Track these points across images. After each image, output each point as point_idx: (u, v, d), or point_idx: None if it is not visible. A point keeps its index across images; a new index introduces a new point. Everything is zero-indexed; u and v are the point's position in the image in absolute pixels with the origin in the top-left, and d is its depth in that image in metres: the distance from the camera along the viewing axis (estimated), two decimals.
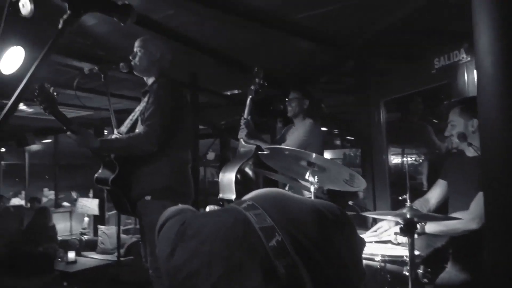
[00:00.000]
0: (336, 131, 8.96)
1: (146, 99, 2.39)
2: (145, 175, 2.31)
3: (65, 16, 0.93)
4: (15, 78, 3.07)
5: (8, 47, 2.76)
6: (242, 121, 3.03)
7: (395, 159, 6.05)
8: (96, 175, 2.38)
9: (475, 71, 2.62)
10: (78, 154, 6.83)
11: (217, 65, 3.98)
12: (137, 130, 2.37)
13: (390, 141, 3.67)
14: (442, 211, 2.32)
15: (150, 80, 2.47)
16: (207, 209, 1.66)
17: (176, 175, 2.34)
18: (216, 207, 1.77)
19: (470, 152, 2.12)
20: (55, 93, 2.19)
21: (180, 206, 1.06)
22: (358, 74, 3.86)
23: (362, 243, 0.99)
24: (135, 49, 2.43)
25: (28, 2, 2.54)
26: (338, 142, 10.14)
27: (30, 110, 5.80)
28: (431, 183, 2.45)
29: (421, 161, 5.93)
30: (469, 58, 2.55)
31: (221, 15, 2.85)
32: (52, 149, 8.10)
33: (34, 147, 7.30)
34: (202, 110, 5.36)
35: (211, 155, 8.05)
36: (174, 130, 2.32)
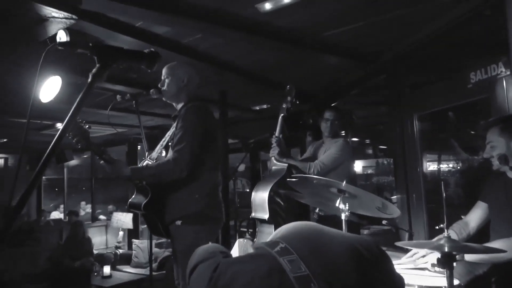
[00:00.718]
0: (367, 141, 8.81)
1: (175, 124, 2.43)
2: (176, 200, 2.34)
3: (94, 70, 0.95)
4: (51, 103, 3.23)
5: (47, 77, 2.91)
6: (274, 140, 3.03)
7: (431, 166, 5.87)
8: (130, 200, 2.44)
9: None
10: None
11: (246, 83, 4.01)
12: (168, 155, 2.40)
13: (425, 148, 3.56)
14: (482, 235, 2.20)
15: (179, 105, 2.51)
16: (236, 244, 1.66)
17: (206, 199, 2.35)
18: (245, 240, 1.77)
19: None
20: (87, 126, 2.25)
21: (211, 246, 1.05)
22: (390, 87, 3.77)
23: (400, 280, 0.95)
24: (162, 77, 2.48)
25: (65, 35, 2.67)
26: (370, 151, 9.95)
27: None
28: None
29: (459, 167, 5.73)
30: (508, 72, 2.43)
31: (248, 37, 2.86)
32: (89, 163, 8.40)
33: (73, 162, 7.58)
34: (231, 125, 5.40)
35: (241, 167, 8.09)
36: (204, 154, 2.34)
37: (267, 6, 2.52)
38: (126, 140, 6.90)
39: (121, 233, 6.43)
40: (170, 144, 2.40)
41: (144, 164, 2.40)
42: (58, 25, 2.31)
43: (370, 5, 2.55)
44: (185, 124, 2.31)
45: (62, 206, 8.69)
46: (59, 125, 6.02)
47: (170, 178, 2.28)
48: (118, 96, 2.57)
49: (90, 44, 0.96)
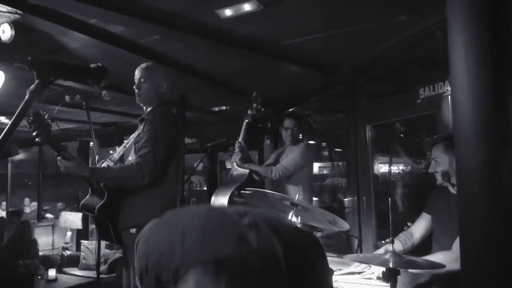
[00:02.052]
0: (324, 144, 9.07)
1: (141, 126, 2.30)
2: (132, 206, 2.24)
3: (32, 87, 0.88)
4: None
5: None
6: (237, 145, 3.00)
7: (382, 168, 6.13)
8: (83, 201, 2.32)
9: None
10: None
11: (206, 87, 3.96)
12: (130, 158, 2.30)
13: (377, 151, 3.71)
14: (426, 244, 2.32)
15: (148, 108, 2.37)
16: None
17: (164, 211, 2.27)
18: None
19: (454, 190, 2.11)
20: (49, 121, 2.11)
21: None
22: (348, 97, 3.88)
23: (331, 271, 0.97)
24: (138, 78, 2.31)
25: (9, 28, 2.50)
26: (326, 154, 10.23)
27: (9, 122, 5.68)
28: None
29: (408, 169, 6.03)
30: None
31: (208, 42, 2.82)
32: (36, 158, 7.94)
33: (18, 156, 7.13)
34: (190, 126, 5.33)
35: (199, 167, 8.01)
36: (167, 164, 2.25)
37: (228, 12, 2.49)
38: (78, 136, 6.60)
39: (69, 233, 6.14)
40: (134, 146, 2.27)
41: (104, 165, 2.29)
42: (1, 19, 2.16)
43: (330, 18, 2.60)
44: (152, 129, 2.19)
45: (4, 203, 8.15)
46: (2, 118, 5.66)
47: (131, 184, 2.18)
48: (67, 97, 2.45)
49: (29, 58, 0.88)
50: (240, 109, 3.49)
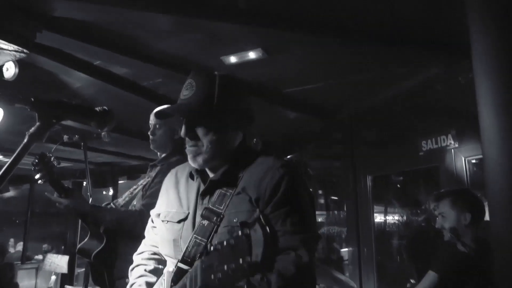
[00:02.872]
0: (320, 192, 8.99)
1: (152, 173, 2.21)
2: (131, 255, 2.14)
3: (32, 130, 0.83)
4: None
5: None
6: None
7: (377, 217, 6.00)
8: (80, 244, 2.20)
9: (463, 158, 2.66)
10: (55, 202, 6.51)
11: None
12: (134, 202, 2.20)
13: (375, 200, 3.64)
14: None
15: (162, 155, 2.27)
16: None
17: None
18: None
19: (464, 247, 2.04)
20: (55, 162, 2.09)
21: None
22: (345, 144, 3.87)
23: None
24: (153, 124, 2.23)
25: (13, 66, 2.50)
26: (322, 201, 10.11)
27: (6, 160, 5.58)
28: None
29: (404, 220, 5.91)
30: (457, 145, 2.56)
31: None
32: (26, 195, 7.73)
33: (7, 193, 6.96)
34: None
35: None
36: None
37: (232, 59, 2.52)
38: (72, 175, 6.47)
39: (53, 277, 5.86)
40: (142, 192, 2.17)
41: (107, 207, 2.20)
42: (6, 57, 2.15)
43: (331, 68, 2.63)
44: (162, 181, 2.13)
45: None
46: None
47: (130, 230, 2.04)
48: (65, 137, 2.40)
49: (32, 99, 0.83)
50: None
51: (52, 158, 2.06)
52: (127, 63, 2.59)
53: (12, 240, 8.35)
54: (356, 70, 2.68)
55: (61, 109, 0.86)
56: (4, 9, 1.85)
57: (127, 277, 2.05)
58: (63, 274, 5.92)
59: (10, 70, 2.41)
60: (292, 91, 3.08)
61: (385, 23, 2.17)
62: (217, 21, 2.13)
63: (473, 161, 2.61)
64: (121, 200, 2.29)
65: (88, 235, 2.21)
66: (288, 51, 2.45)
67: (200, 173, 1.26)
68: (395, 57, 2.47)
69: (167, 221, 1.28)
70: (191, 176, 1.31)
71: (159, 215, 1.37)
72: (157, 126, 2.23)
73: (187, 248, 1.12)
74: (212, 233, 1.09)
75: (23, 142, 0.80)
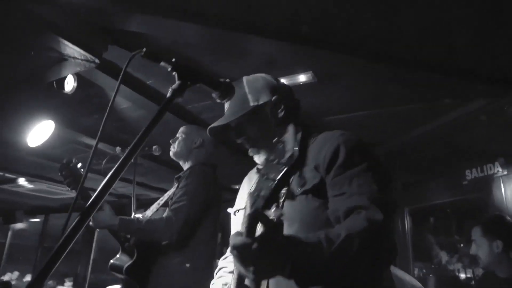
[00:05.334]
0: None
1: (177, 184, 2.28)
2: (164, 268, 2.10)
3: (174, 86, 0.92)
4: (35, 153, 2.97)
5: (39, 120, 2.74)
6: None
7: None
8: (112, 260, 2.18)
9: None
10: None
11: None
12: (164, 213, 2.20)
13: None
14: None
15: (185, 166, 2.38)
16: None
17: (196, 273, 2.11)
18: None
19: (502, 273, 1.98)
20: (82, 170, 2.13)
21: None
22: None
23: None
24: (178, 134, 2.42)
25: (72, 80, 2.59)
26: None
27: (29, 186, 5.59)
28: None
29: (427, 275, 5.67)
30: (505, 172, 2.54)
31: None
32: (39, 230, 7.61)
33: (20, 225, 6.87)
34: None
35: None
36: (199, 223, 2.17)
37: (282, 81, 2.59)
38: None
39: None
40: (169, 202, 2.21)
41: (135, 218, 2.18)
42: (72, 68, 2.25)
43: (377, 97, 2.69)
44: (187, 185, 2.18)
45: None
46: (22, 181, 5.56)
47: (158, 239, 2.09)
48: (118, 148, 2.43)
49: (173, 60, 0.91)
50: None
51: (78, 165, 2.10)
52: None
53: (16, 273, 8.13)
54: (402, 100, 2.73)
55: (195, 73, 0.92)
56: (81, 19, 1.95)
57: None
58: None
59: (69, 84, 2.50)
60: (331, 120, 3.12)
61: (439, 55, 2.23)
62: (276, 44, 2.21)
63: None
64: (149, 212, 2.32)
65: (120, 250, 2.21)
66: (339, 77, 2.52)
67: None
68: (445, 89, 2.53)
69: (237, 212, 1.35)
70: (258, 171, 1.36)
71: (234, 213, 1.39)
72: (178, 135, 2.42)
73: None
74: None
75: (166, 97, 0.86)
